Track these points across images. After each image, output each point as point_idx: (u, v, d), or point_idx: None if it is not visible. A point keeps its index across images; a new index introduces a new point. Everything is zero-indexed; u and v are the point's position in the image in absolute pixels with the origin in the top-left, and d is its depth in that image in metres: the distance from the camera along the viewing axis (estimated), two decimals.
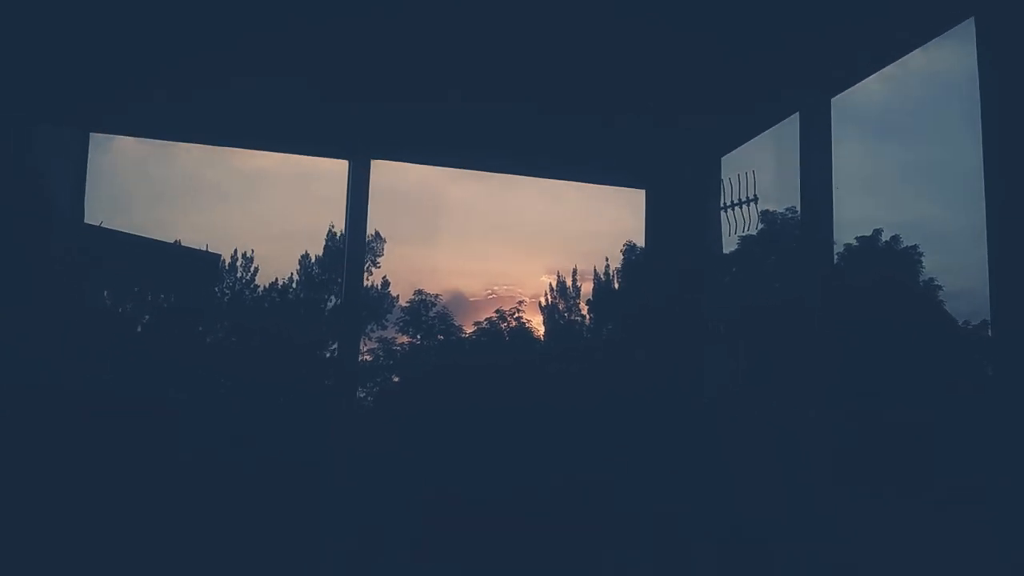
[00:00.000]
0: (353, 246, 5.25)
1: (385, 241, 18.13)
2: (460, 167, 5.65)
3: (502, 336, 18.82)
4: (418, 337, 18.98)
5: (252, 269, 18.61)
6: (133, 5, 4.25)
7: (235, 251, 18.89)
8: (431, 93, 4.97)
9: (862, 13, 4.00)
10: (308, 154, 5.39)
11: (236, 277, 18.58)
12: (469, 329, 19.12)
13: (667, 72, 4.60)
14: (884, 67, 4.25)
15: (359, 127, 5.12)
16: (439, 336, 18.90)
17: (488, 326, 18.94)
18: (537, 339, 19.44)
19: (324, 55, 4.68)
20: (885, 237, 21.65)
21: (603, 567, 6.57)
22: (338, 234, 19.12)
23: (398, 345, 18.71)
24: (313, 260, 18.87)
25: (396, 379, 18.80)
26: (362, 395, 18.67)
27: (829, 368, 4.56)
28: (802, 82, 4.46)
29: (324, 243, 18.92)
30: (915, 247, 21.53)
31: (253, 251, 18.64)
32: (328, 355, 19.43)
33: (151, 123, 5.04)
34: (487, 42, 4.44)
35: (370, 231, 19.37)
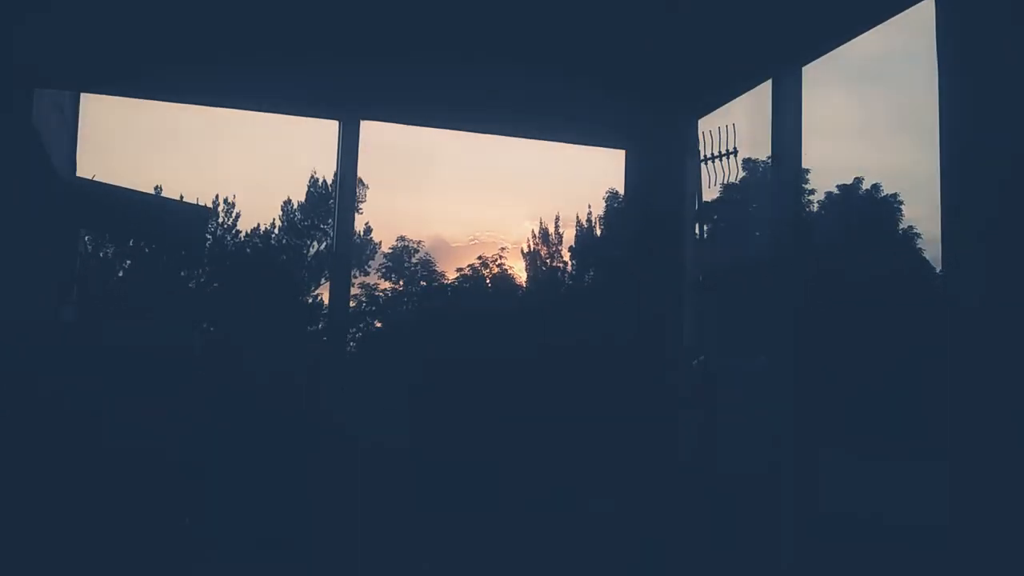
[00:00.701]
0: (343, 205, 5.33)
1: (368, 187, 18.16)
2: (447, 127, 5.74)
3: (484, 282, 18.96)
4: (400, 283, 19.11)
5: (234, 215, 18.66)
6: None
7: (216, 196, 18.92)
8: (418, 56, 5.03)
9: None
10: (299, 115, 5.47)
11: (218, 222, 18.62)
12: (451, 275, 19.26)
13: (646, 37, 4.67)
14: (852, 39, 4.34)
15: (348, 89, 5.18)
16: (421, 282, 19.03)
17: (470, 272, 19.07)
18: (519, 285, 19.57)
19: (314, 17, 4.74)
20: (866, 185, 21.83)
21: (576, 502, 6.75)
22: (320, 180, 19.16)
23: (380, 291, 18.83)
24: (295, 206, 18.92)
25: (379, 324, 18.92)
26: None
27: (796, 318, 4.67)
28: (775, 51, 4.55)
29: (306, 189, 18.97)
30: (895, 195, 21.69)
31: (235, 196, 18.70)
32: (310, 300, 19.57)
33: (142, 83, 5.08)
34: (473, 4, 4.51)
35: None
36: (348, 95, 5.26)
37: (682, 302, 5.67)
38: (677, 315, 5.63)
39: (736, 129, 5.79)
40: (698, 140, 5.64)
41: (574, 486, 6.78)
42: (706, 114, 5.54)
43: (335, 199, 5.59)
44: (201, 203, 18.60)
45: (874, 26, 4.23)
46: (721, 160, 5.80)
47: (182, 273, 18.17)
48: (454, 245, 21.83)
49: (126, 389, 4.77)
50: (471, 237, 21.01)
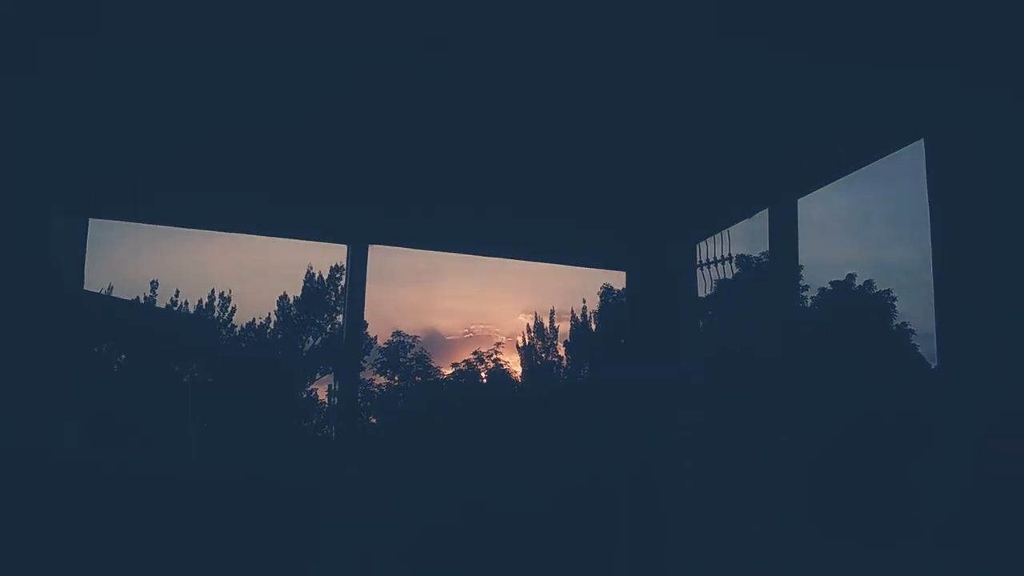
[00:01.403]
0: (352, 325, 5.41)
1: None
2: (453, 252, 5.89)
3: (479, 378, 18.89)
4: (396, 378, 19.02)
5: (229, 309, 18.69)
6: (140, 101, 4.39)
7: (212, 291, 18.97)
8: (423, 194, 5.18)
9: (823, 129, 4.25)
10: (310, 239, 5.62)
11: (214, 316, 18.63)
12: (447, 370, 19.18)
13: (648, 179, 4.83)
14: (845, 175, 4.51)
15: (358, 218, 5.32)
16: (417, 378, 18.94)
17: (466, 367, 19.00)
18: (515, 381, 19.50)
19: (325, 152, 4.87)
20: (859, 281, 21.97)
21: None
22: (316, 275, 19.28)
23: (376, 386, 18.72)
24: (291, 301, 18.94)
25: (373, 420, 18.79)
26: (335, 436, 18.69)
27: (791, 408, 4.72)
28: (770, 187, 4.71)
29: (303, 284, 19.06)
30: (888, 291, 21.83)
31: (231, 291, 18.74)
32: (304, 395, 19.46)
33: (157, 211, 5.21)
34: (475, 150, 4.65)
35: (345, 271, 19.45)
36: (357, 223, 5.38)
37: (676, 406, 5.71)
38: (672, 415, 5.67)
39: (730, 235, 5.93)
40: (695, 265, 5.77)
41: None
42: (703, 239, 5.67)
43: (344, 320, 5.65)
44: (197, 298, 18.64)
45: (868, 164, 4.36)
46: (717, 266, 5.90)
47: (176, 368, 18.12)
48: (449, 338, 21.80)
49: None
50: (465, 329, 21.01)
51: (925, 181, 3.87)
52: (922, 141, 3.92)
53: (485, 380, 18.93)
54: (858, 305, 19.47)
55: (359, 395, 19.67)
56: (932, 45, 3.73)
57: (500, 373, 19.52)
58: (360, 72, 4.24)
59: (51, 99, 4.60)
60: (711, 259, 5.95)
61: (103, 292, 18.74)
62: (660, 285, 5.58)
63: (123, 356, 16.51)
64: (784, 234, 4.81)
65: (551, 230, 5.56)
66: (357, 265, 5.55)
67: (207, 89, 4.50)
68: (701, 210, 5.33)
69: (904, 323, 20.04)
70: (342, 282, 19.24)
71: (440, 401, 17.39)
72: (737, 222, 5.31)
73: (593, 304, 21.64)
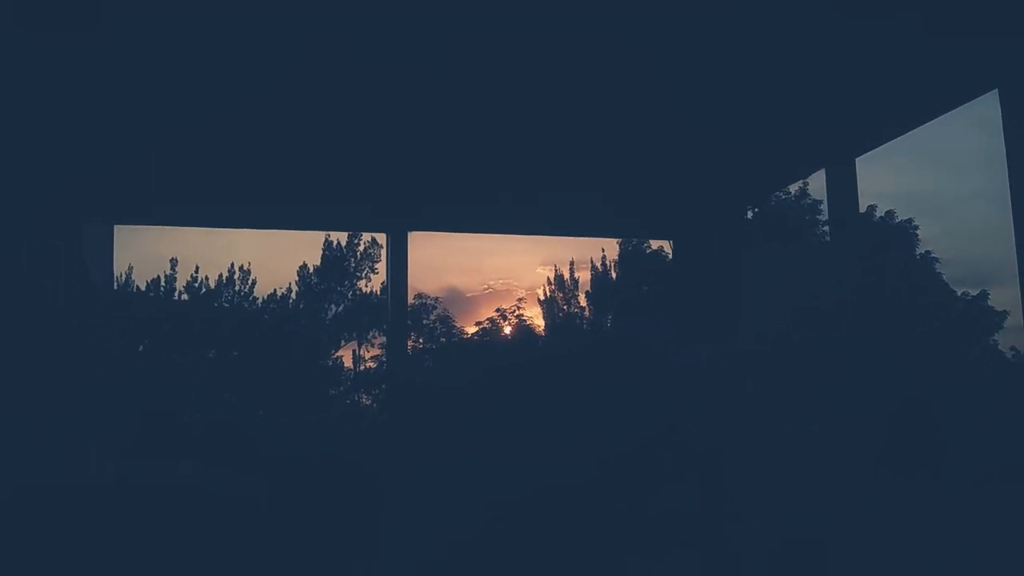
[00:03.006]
0: (395, 312, 5.31)
1: (383, 246, 18.09)
2: (495, 233, 5.77)
3: (503, 335, 18.82)
4: (420, 340, 18.97)
5: (250, 282, 18.59)
6: (165, 108, 4.29)
7: (232, 264, 18.88)
8: (461, 176, 5.05)
9: (888, 81, 4.06)
10: (351, 230, 5.59)
11: (234, 290, 18.56)
12: (470, 329, 19.11)
13: (700, 139, 4.65)
14: (906, 132, 4.31)
15: (396, 206, 5.20)
16: (441, 339, 18.88)
17: (489, 325, 18.93)
18: (538, 335, 19.41)
19: (358, 144, 4.75)
20: (880, 212, 21.73)
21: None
22: (335, 243, 19.14)
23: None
24: (311, 270, 18.84)
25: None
26: (367, 402, 18.69)
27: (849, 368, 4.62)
28: (827, 146, 4.52)
29: (321, 252, 18.93)
30: (910, 220, 21.61)
31: (250, 264, 18.65)
32: (330, 363, 19.43)
33: (195, 213, 5.14)
34: (512, 129, 4.50)
35: (367, 236, 19.28)
36: (396, 211, 5.27)
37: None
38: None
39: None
40: (744, 229, 5.61)
41: None
42: (755, 203, 5.51)
43: (388, 308, 5.55)
44: (218, 273, 18.54)
45: (929, 121, 4.19)
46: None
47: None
48: (468, 295, 21.69)
49: None
50: (485, 286, 20.88)
51: (1001, 133, 3.72)
52: (996, 92, 3.76)
53: (510, 337, 18.86)
54: (881, 238, 19.27)
55: (384, 360, 19.65)
56: None
57: (523, 328, 19.44)
58: (391, 64, 4.10)
59: (76, 115, 4.50)
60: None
61: (124, 272, 18.70)
62: (712, 254, 5.44)
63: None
64: (844, 194, 4.65)
65: (592, 204, 5.42)
66: (398, 253, 5.43)
67: (237, 90, 4.38)
68: (753, 173, 5.17)
69: (928, 251, 19.89)
70: (360, 247, 19.10)
71: (469, 366, 17.30)
72: (791, 183, 5.17)
73: (612, 252, 21.49)
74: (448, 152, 4.98)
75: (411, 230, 5.42)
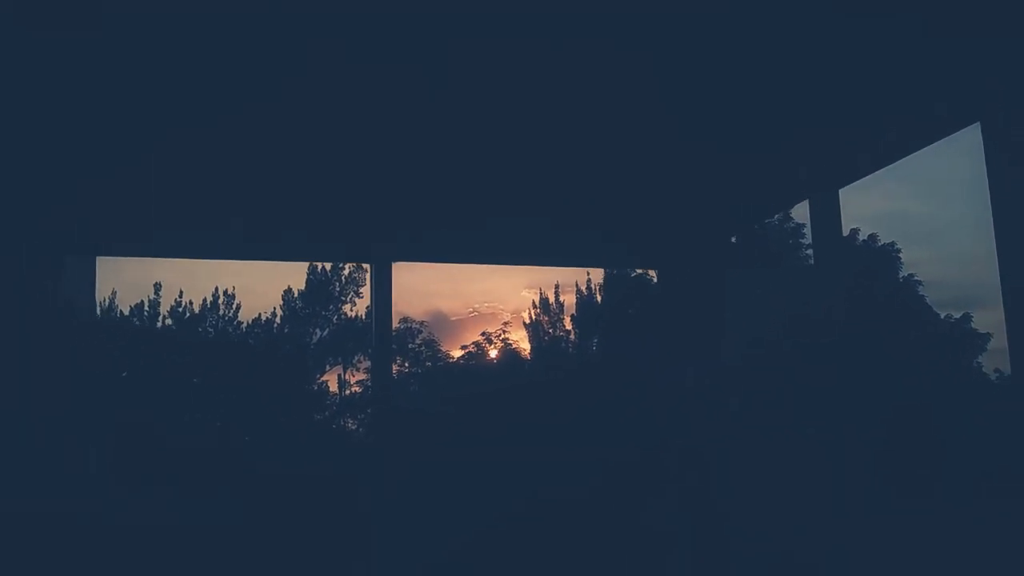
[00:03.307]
0: (380, 341, 5.30)
1: (368, 271, 18.04)
2: (481, 263, 5.75)
3: (489, 359, 18.81)
4: (406, 365, 18.92)
5: (234, 306, 18.52)
6: (151, 134, 4.28)
7: (216, 289, 18.80)
8: (447, 207, 5.05)
9: (872, 113, 4.08)
10: (335, 261, 5.59)
11: (219, 315, 18.48)
12: (456, 353, 19.08)
13: (682, 170, 4.66)
14: (891, 163, 4.33)
15: (380, 237, 5.20)
16: (427, 363, 18.84)
17: (475, 349, 18.92)
18: (524, 359, 19.40)
19: (344, 175, 4.75)
20: (862, 236, 21.85)
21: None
22: (319, 267, 19.09)
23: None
24: (296, 294, 18.78)
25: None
26: (353, 427, 18.60)
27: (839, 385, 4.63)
28: (811, 177, 4.54)
29: (306, 276, 18.89)
30: (892, 244, 21.74)
31: (234, 288, 18.57)
32: (316, 388, 19.34)
33: (175, 244, 5.14)
34: (496, 161, 4.51)
35: (351, 263, 19.22)
36: (380, 243, 5.28)
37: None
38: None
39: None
40: (728, 258, 5.65)
41: None
42: (738, 232, 5.53)
43: (372, 337, 5.54)
44: (202, 297, 18.44)
45: (912, 153, 4.21)
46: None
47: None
48: (454, 319, 21.68)
49: None
50: (470, 309, 20.87)
51: (984, 167, 3.75)
52: (978, 125, 3.78)
53: (496, 360, 18.84)
54: (864, 262, 19.39)
55: (369, 384, 19.58)
56: (986, 21, 3.58)
57: (509, 352, 19.43)
58: (374, 93, 4.10)
59: (59, 144, 4.50)
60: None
61: (107, 297, 18.62)
62: (696, 281, 5.46)
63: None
64: (828, 224, 4.68)
65: (577, 233, 5.43)
66: (382, 284, 5.43)
67: (220, 122, 4.37)
68: (737, 203, 5.19)
69: (911, 274, 20.01)
70: (345, 271, 19.07)
71: (454, 394, 17.25)
72: (775, 214, 5.20)
73: (597, 276, 21.53)
74: (433, 182, 4.98)
75: (395, 260, 5.41)
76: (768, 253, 16.98)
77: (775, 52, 3.77)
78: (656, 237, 5.49)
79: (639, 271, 17.86)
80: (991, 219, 3.74)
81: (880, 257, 20.35)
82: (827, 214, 4.66)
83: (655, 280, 5.82)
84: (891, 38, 3.65)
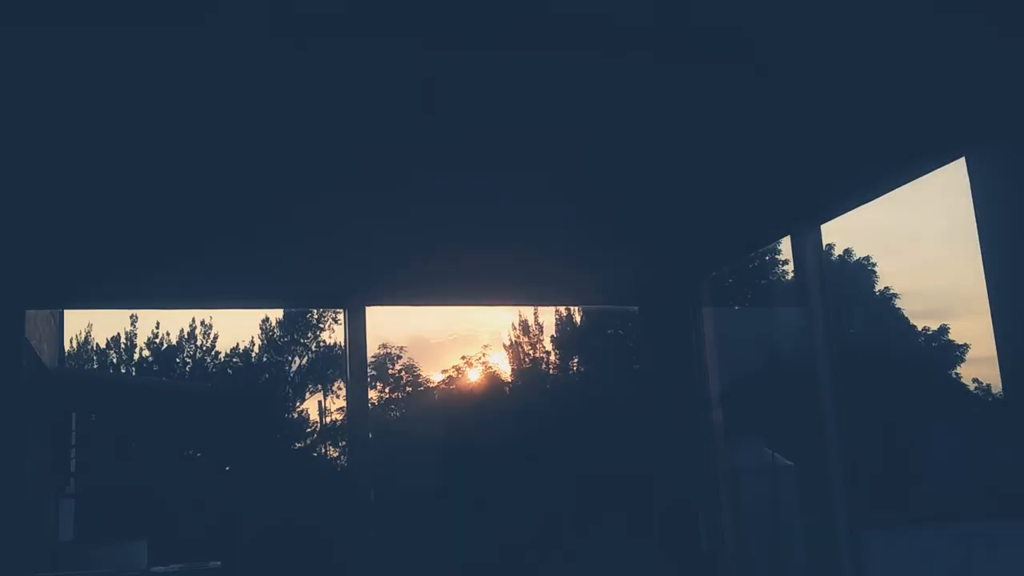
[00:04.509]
0: (354, 386, 5.27)
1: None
2: (455, 305, 5.72)
3: (469, 382, 18.77)
4: (386, 390, 18.86)
5: (212, 336, 18.41)
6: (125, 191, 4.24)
7: (193, 319, 18.67)
8: (420, 250, 5.02)
9: (855, 150, 4.08)
10: (308, 307, 5.55)
11: (196, 345, 18.35)
12: (436, 377, 19.03)
13: (659, 207, 4.64)
14: (873, 199, 4.30)
15: (352, 283, 5.16)
16: (407, 388, 18.78)
17: (455, 373, 18.88)
18: (504, 382, 19.36)
19: (319, 224, 4.72)
20: (837, 251, 21.99)
21: None
22: None
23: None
24: (273, 323, 18.69)
25: (370, 435, 18.59)
26: (334, 454, 18.46)
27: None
28: (792, 213, 4.52)
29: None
30: (867, 258, 21.89)
31: (211, 318, 18.46)
32: (295, 416, 19.21)
33: (139, 294, 5.12)
34: (470, 197, 4.47)
35: None
36: (352, 288, 5.25)
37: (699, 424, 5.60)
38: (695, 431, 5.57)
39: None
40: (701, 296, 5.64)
41: None
42: (719, 269, 5.52)
43: (347, 377, 5.51)
44: (185, 334, 18.27)
45: (895, 188, 4.21)
46: None
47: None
48: (434, 342, 21.62)
49: None
50: (450, 332, 20.83)
51: (970, 199, 3.76)
52: (963, 159, 3.78)
53: (476, 384, 18.80)
54: (840, 277, 19.51)
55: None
56: (971, 59, 3.59)
57: (491, 375, 19.38)
58: (355, 148, 4.07)
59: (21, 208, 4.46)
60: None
61: (83, 330, 18.46)
62: (675, 319, 5.45)
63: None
64: (809, 259, 4.68)
65: (560, 277, 5.42)
66: (356, 328, 5.40)
67: (188, 168, 4.31)
68: (717, 240, 5.18)
69: (886, 288, 20.15)
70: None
71: (434, 417, 17.16)
72: (755, 251, 5.19)
73: None
74: (406, 227, 4.94)
75: (368, 305, 5.38)
76: (758, 288, 17.07)
77: (757, 92, 3.76)
78: (636, 276, 5.48)
79: None
80: (972, 231, 3.78)
81: (856, 271, 20.49)
82: (808, 249, 4.67)
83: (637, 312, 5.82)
84: (876, 74, 3.65)
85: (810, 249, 4.69)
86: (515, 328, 21.23)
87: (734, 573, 5.55)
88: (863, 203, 4.40)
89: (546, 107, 3.90)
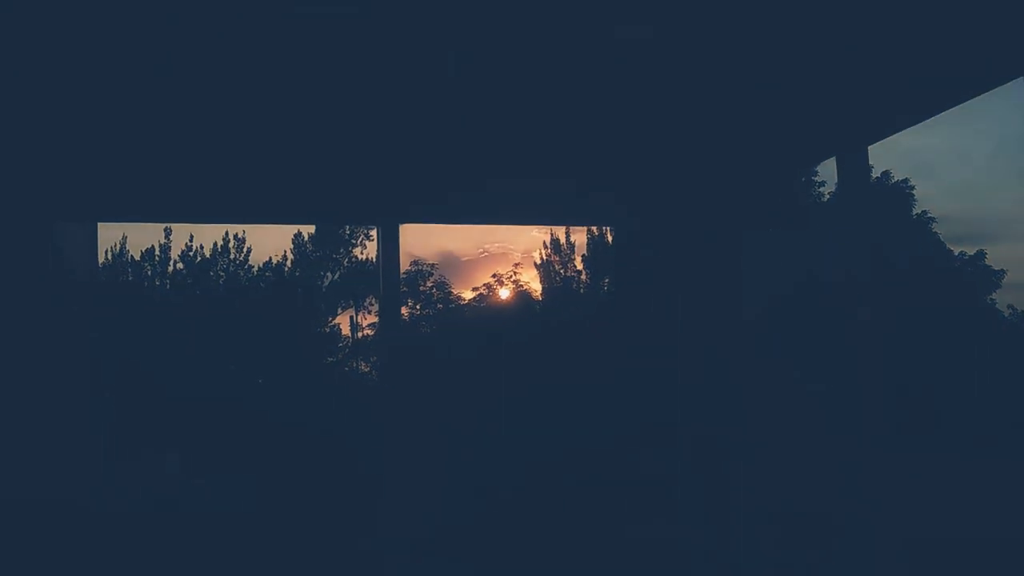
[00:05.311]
0: (388, 305, 5.26)
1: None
2: (485, 224, 5.71)
3: (500, 301, 18.81)
4: (417, 307, 18.95)
5: (245, 250, 18.48)
6: (153, 100, 4.18)
7: (226, 232, 18.76)
8: (452, 168, 4.95)
9: (907, 69, 3.90)
10: (341, 224, 5.54)
11: (230, 259, 18.45)
12: (467, 295, 19.09)
13: (714, 121, 4.50)
14: (923, 120, 4.15)
15: (386, 199, 5.11)
16: (438, 305, 18.87)
17: (486, 291, 18.93)
18: (535, 300, 19.38)
19: (349, 138, 4.67)
20: (875, 173, 21.63)
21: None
22: None
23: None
24: (306, 238, 18.73)
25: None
26: (365, 368, 18.66)
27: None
28: (839, 135, 4.37)
29: None
30: (906, 180, 21.52)
31: (244, 231, 18.52)
32: (328, 330, 19.38)
33: (177, 209, 5.09)
34: (506, 120, 4.39)
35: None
36: (386, 205, 5.21)
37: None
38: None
39: None
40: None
41: None
42: (765, 191, 5.42)
43: (380, 296, 5.51)
44: (218, 248, 18.36)
45: (948, 109, 4.07)
46: None
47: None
48: (464, 259, 21.62)
49: None
50: (480, 249, 20.81)
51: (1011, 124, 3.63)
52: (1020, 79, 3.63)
53: (507, 303, 18.84)
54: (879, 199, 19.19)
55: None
56: None
57: (522, 294, 19.40)
58: (381, 61, 4.00)
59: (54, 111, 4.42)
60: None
61: (117, 243, 18.61)
62: (713, 241, 5.36)
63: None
64: (856, 181, 4.55)
65: (587, 193, 5.35)
66: (389, 246, 5.37)
67: (226, 86, 4.27)
68: (763, 161, 5.06)
69: (924, 211, 19.86)
70: None
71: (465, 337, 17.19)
72: (801, 171, 5.08)
73: None
74: (437, 146, 4.89)
75: (402, 222, 5.34)
76: (796, 211, 16.81)
77: (808, 11, 3.61)
78: (673, 195, 5.38)
79: None
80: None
81: (894, 194, 20.17)
82: (855, 172, 4.54)
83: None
84: None
85: (857, 170, 4.56)
86: (546, 247, 21.18)
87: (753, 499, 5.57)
88: (913, 124, 4.26)
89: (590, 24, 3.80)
